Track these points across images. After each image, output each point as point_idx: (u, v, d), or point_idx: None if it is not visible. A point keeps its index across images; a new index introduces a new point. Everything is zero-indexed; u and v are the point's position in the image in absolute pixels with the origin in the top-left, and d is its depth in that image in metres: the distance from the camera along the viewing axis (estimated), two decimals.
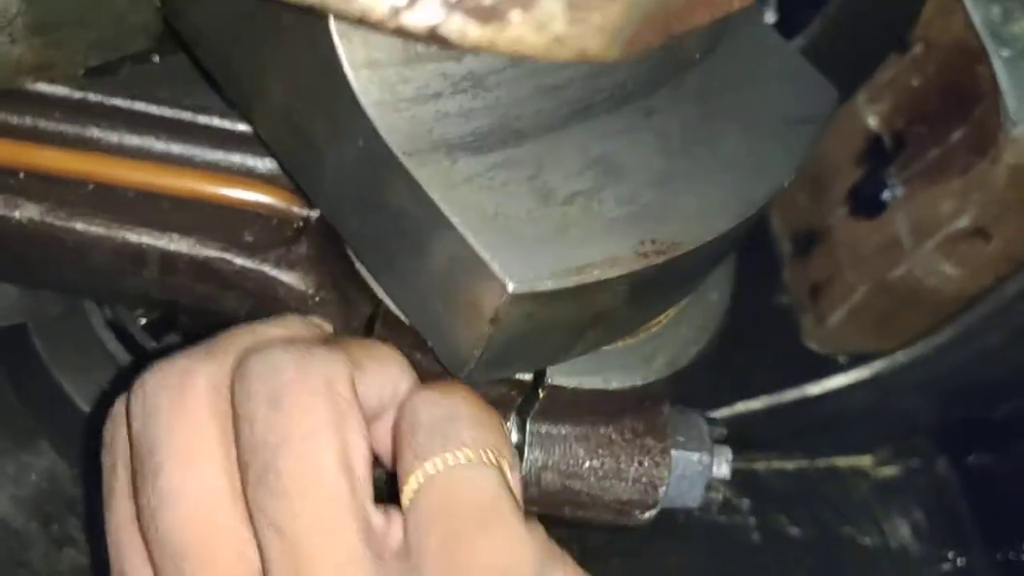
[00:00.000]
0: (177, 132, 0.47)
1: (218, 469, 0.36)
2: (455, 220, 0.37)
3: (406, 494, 0.37)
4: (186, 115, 0.47)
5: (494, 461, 0.37)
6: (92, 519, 0.65)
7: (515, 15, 0.28)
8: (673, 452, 0.49)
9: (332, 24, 0.35)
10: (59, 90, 0.46)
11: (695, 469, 0.50)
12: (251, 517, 0.35)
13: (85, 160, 0.46)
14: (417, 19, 0.29)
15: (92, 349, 0.63)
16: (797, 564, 0.84)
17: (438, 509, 0.36)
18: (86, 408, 0.62)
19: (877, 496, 0.88)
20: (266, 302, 0.47)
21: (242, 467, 0.36)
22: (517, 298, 0.37)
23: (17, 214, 0.45)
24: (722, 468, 0.51)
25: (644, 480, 0.49)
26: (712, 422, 0.52)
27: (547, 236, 0.38)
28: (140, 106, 0.47)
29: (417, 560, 0.35)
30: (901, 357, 0.81)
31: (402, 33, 0.29)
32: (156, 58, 0.48)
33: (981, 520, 0.87)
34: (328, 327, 0.43)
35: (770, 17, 0.54)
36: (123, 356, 0.63)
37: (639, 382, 0.48)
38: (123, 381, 0.60)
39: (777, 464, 0.87)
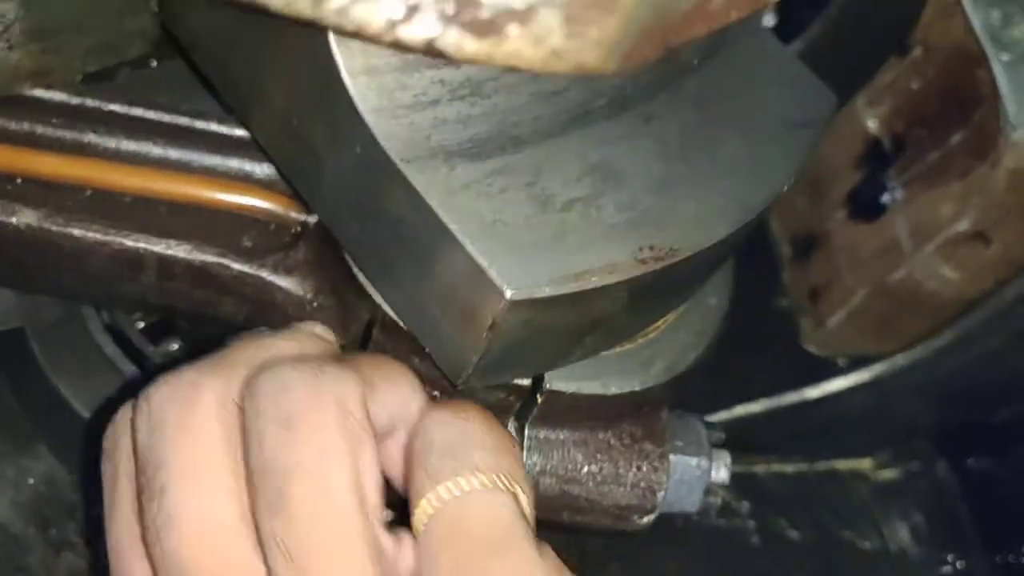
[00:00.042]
0: (175, 137, 0.47)
1: (226, 489, 0.35)
2: (453, 227, 0.37)
3: (418, 517, 0.36)
4: (184, 120, 0.47)
5: (509, 487, 0.36)
6: (90, 524, 0.65)
7: (512, 29, 0.28)
8: (671, 457, 0.49)
9: (330, 31, 0.35)
10: (56, 96, 0.46)
11: (694, 474, 0.50)
12: (260, 539, 0.35)
13: (83, 165, 0.46)
14: (414, 32, 0.28)
15: (90, 354, 0.63)
16: (796, 567, 0.84)
17: (451, 534, 0.35)
18: (84, 412, 0.62)
19: (877, 499, 0.88)
20: (264, 307, 0.47)
21: (251, 489, 0.35)
22: (515, 305, 0.37)
23: (15, 220, 0.45)
24: (721, 472, 0.51)
25: (642, 485, 0.49)
26: (710, 426, 0.52)
27: (545, 243, 0.38)
28: (138, 111, 0.46)
29: None
30: (901, 360, 0.81)
31: (399, 46, 0.29)
32: (154, 63, 0.48)
33: (981, 523, 0.87)
34: (337, 339, 0.43)
35: (769, 21, 0.54)
36: (121, 360, 0.63)
37: (638, 387, 0.48)
38: (126, 389, 0.60)
39: (777, 467, 0.87)
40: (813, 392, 0.83)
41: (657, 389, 0.48)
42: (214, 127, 0.47)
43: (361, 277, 0.46)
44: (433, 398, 0.42)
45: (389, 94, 0.37)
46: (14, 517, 0.64)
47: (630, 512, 0.49)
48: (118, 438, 0.38)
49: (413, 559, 0.36)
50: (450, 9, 0.28)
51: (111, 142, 0.47)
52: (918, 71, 0.76)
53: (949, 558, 0.86)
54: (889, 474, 0.90)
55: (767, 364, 0.85)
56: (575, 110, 0.40)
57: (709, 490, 0.51)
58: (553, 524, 0.49)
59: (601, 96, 0.41)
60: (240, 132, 0.47)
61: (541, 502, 0.48)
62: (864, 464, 0.90)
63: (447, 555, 0.35)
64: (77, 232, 0.45)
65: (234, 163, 0.47)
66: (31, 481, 0.65)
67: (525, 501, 0.37)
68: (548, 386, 0.46)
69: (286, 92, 0.41)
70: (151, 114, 0.47)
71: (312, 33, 0.35)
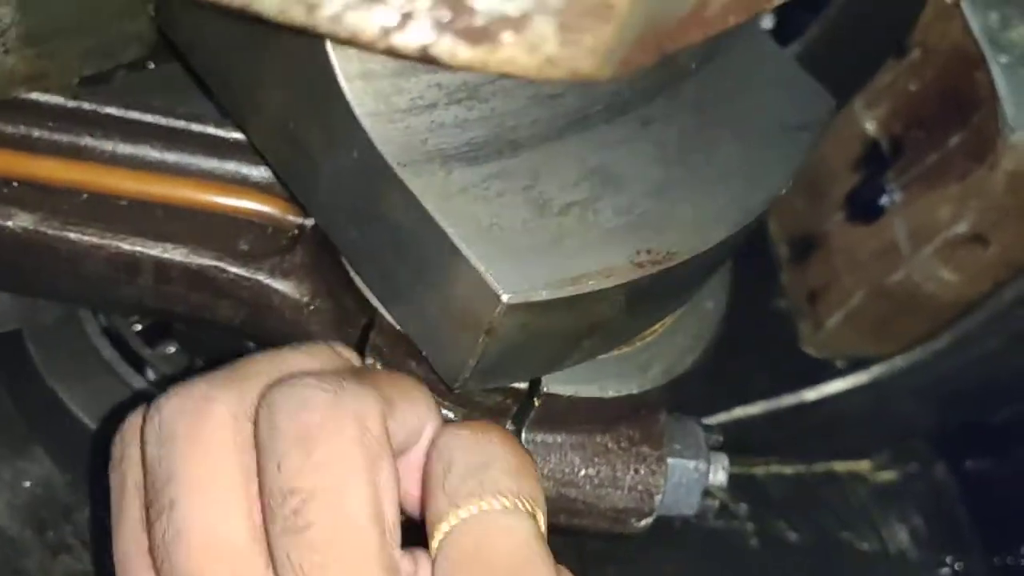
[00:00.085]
0: (171, 140, 0.47)
1: (237, 505, 0.34)
2: (450, 231, 0.37)
3: (436, 538, 0.35)
4: (180, 123, 0.47)
5: (530, 510, 0.36)
6: (88, 527, 0.64)
7: (506, 36, 0.28)
8: (669, 460, 0.49)
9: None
10: (52, 99, 0.45)
11: (691, 477, 0.50)
12: (273, 559, 0.34)
13: (79, 169, 0.45)
14: (407, 40, 0.28)
15: (87, 357, 0.63)
16: (795, 569, 0.84)
17: (470, 557, 0.35)
18: (82, 415, 0.62)
19: (875, 501, 0.88)
20: (261, 311, 0.47)
21: (266, 508, 0.34)
22: (512, 308, 0.37)
23: (11, 223, 0.45)
24: (719, 475, 0.51)
25: (640, 488, 0.49)
26: (708, 429, 0.52)
27: (542, 246, 0.38)
28: (134, 114, 0.46)
29: None
30: (899, 362, 0.81)
31: (393, 53, 0.29)
32: (151, 66, 0.48)
33: (979, 525, 0.87)
34: (354, 356, 0.42)
35: (767, 23, 0.54)
36: (118, 363, 0.62)
37: (635, 390, 0.48)
38: (135, 397, 0.60)
39: (775, 469, 0.87)
40: (811, 394, 0.83)
41: (655, 392, 0.48)
42: (211, 130, 0.47)
43: (358, 281, 0.45)
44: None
45: (386, 98, 0.37)
46: (10, 520, 0.64)
47: (628, 515, 0.49)
48: (126, 447, 0.37)
49: None
50: (444, 16, 0.27)
51: (107, 145, 0.46)
52: (916, 73, 0.76)
53: (948, 560, 0.86)
54: (888, 476, 0.90)
55: (765, 366, 0.85)
56: (573, 114, 0.40)
57: (707, 492, 0.51)
58: (551, 527, 0.49)
59: (599, 100, 0.41)
60: (237, 135, 0.47)
61: None
62: (863, 466, 0.90)
63: (465, 575, 0.34)
64: (73, 235, 0.45)
65: (231, 166, 0.47)
66: (27, 484, 0.65)
67: (543, 523, 0.37)
68: (545, 389, 0.46)
69: (283, 96, 0.41)
70: (147, 117, 0.46)
71: (308, 37, 0.35)
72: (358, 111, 0.37)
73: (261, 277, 0.47)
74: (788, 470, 0.88)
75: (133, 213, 0.46)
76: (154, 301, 0.47)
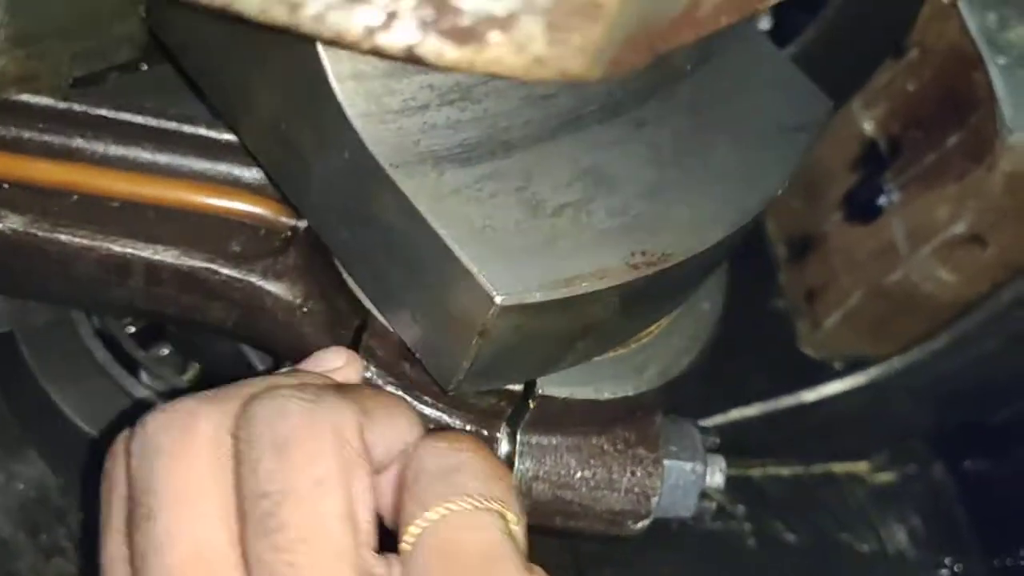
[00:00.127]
0: (163, 142, 0.47)
1: (215, 516, 0.35)
2: (442, 232, 0.37)
3: (406, 540, 0.36)
4: (172, 125, 0.47)
5: (499, 510, 0.36)
6: (83, 533, 0.64)
7: (493, 36, 0.27)
8: (666, 462, 0.49)
9: None
10: (43, 101, 0.45)
11: (688, 479, 0.50)
12: (246, 564, 0.34)
13: (70, 170, 0.45)
14: (393, 40, 0.28)
15: (80, 359, 0.63)
16: (793, 571, 0.84)
17: (439, 554, 0.35)
18: (75, 418, 0.62)
19: (874, 502, 0.88)
20: (253, 312, 0.47)
21: (242, 515, 0.35)
22: (505, 310, 0.37)
23: (1, 225, 0.45)
24: (716, 477, 0.50)
25: (636, 490, 0.49)
26: (705, 431, 0.52)
27: (536, 248, 0.38)
28: (125, 116, 0.46)
29: None
30: (897, 363, 0.81)
31: (378, 53, 0.29)
32: (143, 67, 0.47)
33: (978, 526, 0.87)
34: (355, 357, 0.42)
35: (764, 24, 0.54)
36: (112, 366, 0.62)
37: (631, 392, 0.48)
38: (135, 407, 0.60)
39: (773, 470, 0.87)
40: (809, 395, 0.82)
41: (651, 394, 0.48)
42: (202, 132, 0.47)
43: (351, 283, 0.45)
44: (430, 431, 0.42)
45: (377, 99, 0.37)
46: (4, 522, 0.64)
47: (624, 517, 0.49)
48: (115, 459, 0.38)
49: None
50: (429, 16, 0.27)
51: (99, 147, 0.46)
52: (914, 73, 0.76)
53: (947, 561, 0.86)
54: (886, 477, 0.90)
55: (763, 367, 0.84)
56: (566, 115, 0.40)
57: (704, 494, 0.51)
58: (547, 529, 0.49)
59: (592, 101, 0.40)
60: (229, 137, 0.47)
61: (534, 507, 0.48)
62: (861, 467, 0.90)
63: (433, 574, 0.35)
64: (64, 237, 0.45)
65: (223, 167, 0.47)
66: (20, 486, 0.65)
67: (516, 525, 0.37)
68: (540, 391, 0.46)
69: (274, 97, 0.40)
70: (139, 119, 0.46)
71: (300, 39, 0.35)
72: (349, 112, 0.36)
73: (253, 279, 0.46)
74: (786, 471, 0.88)
75: (124, 215, 0.46)
76: (145, 303, 0.47)
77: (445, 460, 0.37)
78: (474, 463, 0.37)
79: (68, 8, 0.42)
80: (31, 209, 0.45)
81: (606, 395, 0.47)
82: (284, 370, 0.40)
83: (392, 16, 0.28)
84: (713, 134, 0.44)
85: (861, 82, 0.79)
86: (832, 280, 0.83)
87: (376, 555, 0.35)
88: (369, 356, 0.45)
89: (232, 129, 0.46)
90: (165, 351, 0.66)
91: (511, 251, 0.37)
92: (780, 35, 0.74)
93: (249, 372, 0.57)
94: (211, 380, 0.39)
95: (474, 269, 0.36)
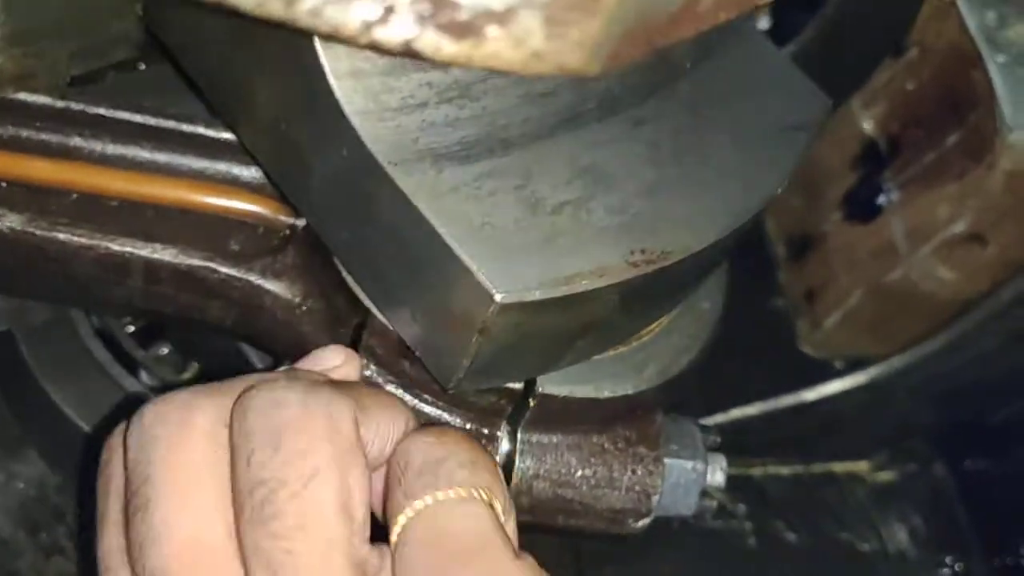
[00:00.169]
0: (161, 141, 0.47)
1: (211, 505, 0.35)
2: (442, 230, 0.37)
3: (395, 531, 0.36)
4: (170, 124, 0.47)
5: (486, 499, 0.36)
6: (82, 531, 0.64)
7: (491, 30, 0.27)
8: (667, 460, 0.49)
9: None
10: (41, 99, 0.45)
11: (689, 477, 0.50)
12: (242, 552, 0.34)
13: (68, 169, 0.45)
14: (390, 34, 0.28)
15: (80, 358, 0.63)
16: (794, 570, 0.84)
17: (427, 542, 0.35)
18: (75, 417, 0.62)
19: (874, 501, 0.88)
20: (252, 311, 0.47)
21: (237, 505, 0.35)
22: (505, 308, 0.36)
23: None
24: (716, 476, 0.50)
25: (637, 489, 0.49)
26: (706, 430, 0.52)
27: (535, 246, 0.38)
28: (124, 115, 0.46)
29: None
30: (897, 362, 0.81)
31: (375, 48, 0.29)
32: (142, 66, 0.47)
33: (979, 525, 0.87)
34: (354, 355, 0.42)
35: (763, 23, 0.54)
36: (111, 365, 0.62)
37: (631, 391, 0.48)
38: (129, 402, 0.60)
39: (773, 470, 0.87)
40: (809, 394, 0.82)
41: (650, 392, 0.48)
42: (201, 130, 0.47)
43: (350, 281, 0.45)
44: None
45: (375, 97, 0.37)
46: (4, 521, 0.64)
47: (625, 515, 0.49)
48: (112, 452, 0.38)
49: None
50: (427, 10, 0.27)
51: (97, 146, 0.46)
52: (914, 72, 0.76)
53: (947, 560, 0.86)
54: (886, 476, 0.90)
55: (763, 366, 0.84)
56: (564, 113, 0.40)
57: (705, 493, 0.50)
58: (548, 528, 0.49)
59: (590, 99, 0.40)
60: (227, 135, 0.47)
61: (535, 506, 0.48)
62: (861, 466, 0.90)
63: (422, 562, 0.35)
64: (62, 236, 0.45)
65: (221, 166, 0.47)
66: (20, 485, 0.65)
67: (504, 514, 0.37)
68: (540, 390, 0.46)
69: (273, 95, 0.40)
70: (137, 117, 0.46)
71: (297, 36, 0.35)
72: (348, 109, 0.36)
73: (252, 277, 0.46)
74: (786, 471, 0.88)
75: (123, 213, 0.46)
76: (144, 302, 0.47)
77: (432, 452, 0.37)
78: (460, 454, 0.37)
79: (65, 6, 0.42)
80: (29, 208, 0.45)
81: (606, 393, 0.47)
82: (282, 368, 0.40)
83: (389, 10, 0.28)
84: (712, 133, 0.44)
85: (860, 81, 0.79)
86: (832, 279, 0.83)
87: (370, 545, 0.35)
88: (369, 355, 0.45)
89: (230, 128, 0.46)
90: (164, 350, 0.66)
91: (510, 249, 0.37)
92: (779, 34, 0.74)
93: (248, 371, 0.56)
94: (210, 379, 0.39)
95: (473, 267, 0.36)
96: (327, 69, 0.36)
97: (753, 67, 0.48)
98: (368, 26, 0.28)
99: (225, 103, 0.44)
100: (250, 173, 0.47)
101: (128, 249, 0.45)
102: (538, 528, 0.49)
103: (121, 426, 0.38)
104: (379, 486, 0.38)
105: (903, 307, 0.79)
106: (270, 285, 0.46)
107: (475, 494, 0.36)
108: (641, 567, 0.76)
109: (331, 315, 0.47)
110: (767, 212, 0.55)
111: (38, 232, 0.45)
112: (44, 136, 0.46)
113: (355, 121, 0.36)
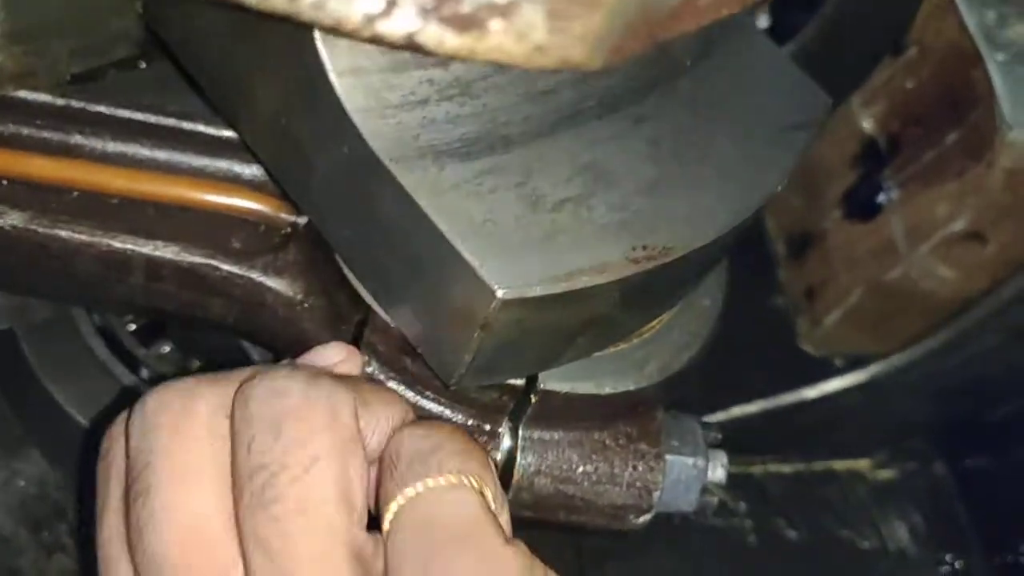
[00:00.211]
0: (162, 138, 0.47)
1: (211, 491, 0.35)
2: (443, 227, 0.37)
3: (386, 519, 0.36)
4: (171, 121, 0.47)
5: (475, 486, 0.37)
6: (82, 526, 0.64)
7: (494, 24, 0.27)
8: (668, 457, 0.49)
9: (316, 30, 0.35)
10: (41, 97, 0.45)
11: (690, 473, 0.50)
12: (240, 538, 0.35)
13: (69, 167, 0.45)
14: (393, 27, 0.28)
15: (82, 356, 0.63)
16: (794, 567, 0.84)
17: (416, 529, 0.36)
18: (76, 415, 0.62)
19: (875, 499, 0.88)
20: (253, 309, 0.47)
21: (237, 490, 0.35)
22: (507, 304, 0.37)
23: (1, 221, 0.45)
24: (717, 472, 0.50)
25: (638, 485, 0.49)
26: (707, 426, 0.52)
27: (536, 242, 0.38)
28: (124, 113, 0.46)
29: None
30: (897, 360, 0.81)
31: (378, 41, 0.29)
32: (142, 64, 0.47)
33: (979, 523, 0.87)
34: (355, 352, 0.42)
35: (763, 22, 0.54)
36: (113, 363, 0.62)
37: (632, 387, 0.48)
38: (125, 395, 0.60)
39: (774, 468, 0.87)
40: (810, 392, 0.83)
41: (651, 389, 0.48)
42: (202, 128, 0.47)
43: (351, 278, 0.45)
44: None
45: (376, 94, 0.37)
46: (5, 519, 0.64)
47: (626, 512, 0.49)
48: (113, 440, 0.39)
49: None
50: (430, 3, 0.27)
51: (98, 143, 0.46)
52: (913, 71, 0.76)
53: (947, 558, 0.86)
54: (887, 474, 0.90)
55: (763, 364, 0.84)
56: (565, 110, 0.40)
57: (706, 490, 0.51)
58: (549, 524, 0.49)
59: (591, 97, 0.40)
60: (228, 133, 0.47)
61: (536, 502, 0.48)
62: (862, 464, 0.90)
63: (413, 547, 0.35)
64: (64, 233, 0.45)
65: (222, 164, 0.47)
66: (22, 483, 0.65)
67: (495, 501, 0.37)
68: (542, 386, 0.46)
69: (274, 92, 0.40)
70: (138, 115, 0.46)
71: (298, 32, 0.35)
72: (348, 106, 0.36)
73: (254, 275, 0.46)
74: (787, 468, 0.88)
75: (124, 211, 0.46)
76: (145, 299, 0.47)
77: (423, 442, 0.37)
78: (450, 443, 0.37)
79: (66, 4, 0.42)
80: (31, 206, 0.45)
81: (607, 390, 0.47)
82: (284, 362, 0.41)
83: (392, 3, 0.28)
84: (712, 130, 0.44)
85: (860, 80, 0.79)
86: (832, 277, 0.83)
87: (367, 533, 0.36)
88: (371, 352, 0.45)
89: (231, 125, 0.46)
90: (166, 348, 0.66)
91: (512, 245, 0.37)
92: (779, 33, 0.74)
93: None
94: None
95: (475, 263, 0.36)
96: (328, 66, 0.36)
97: (753, 65, 0.48)
98: (371, 19, 0.28)
99: (226, 101, 0.44)
100: (251, 171, 0.47)
101: (129, 247, 0.45)
102: (539, 524, 0.49)
103: (123, 415, 0.38)
104: (374, 479, 0.38)
105: (903, 305, 0.79)
106: (271, 282, 0.47)
107: (465, 481, 0.36)
108: (642, 563, 0.76)
109: (333, 312, 0.47)
110: (767, 210, 0.55)
111: (39, 230, 0.45)
112: (45, 134, 0.46)
113: (356, 118, 0.36)
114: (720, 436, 0.52)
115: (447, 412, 0.46)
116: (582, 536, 0.59)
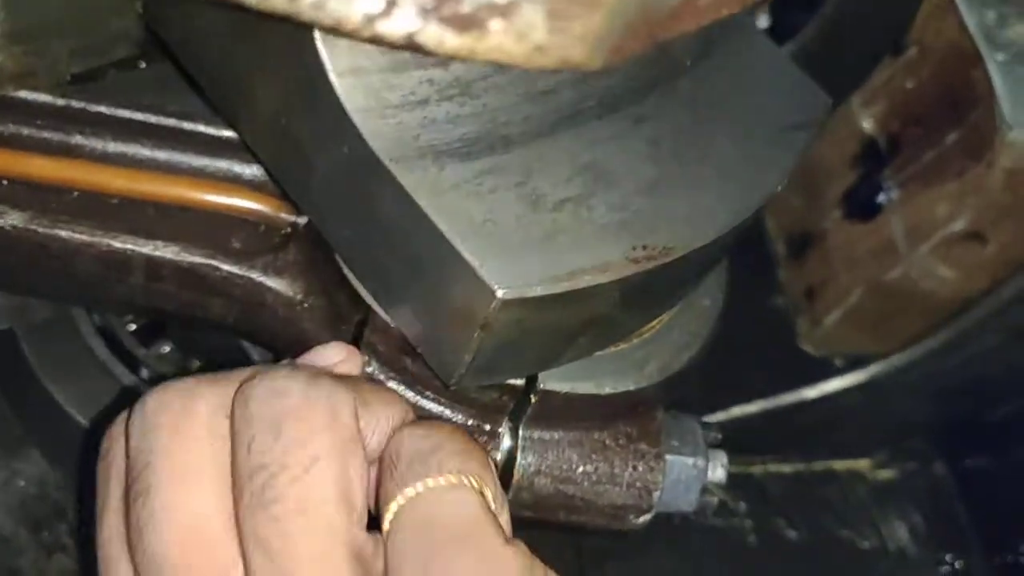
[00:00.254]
0: (162, 138, 0.47)
1: (211, 491, 0.35)
2: (443, 227, 0.37)
3: (386, 519, 0.36)
4: (171, 121, 0.47)
5: (476, 486, 0.37)
6: (82, 526, 0.64)
7: (494, 24, 0.27)
8: (668, 457, 0.49)
9: (316, 30, 0.35)
10: (41, 97, 0.45)
11: (690, 473, 0.50)
12: (240, 538, 0.35)
13: (69, 167, 0.45)
14: (393, 27, 0.28)
15: (82, 356, 0.63)
16: (794, 567, 0.84)
17: (415, 529, 0.36)
18: (77, 415, 0.62)
19: (875, 499, 0.88)
20: (253, 308, 0.47)
21: (236, 490, 0.35)
22: (507, 304, 0.37)
23: (1, 221, 0.45)
24: (717, 472, 0.50)
25: (638, 485, 0.49)
26: (707, 426, 0.52)
27: (536, 242, 0.38)
28: (125, 113, 0.46)
29: None
30: (897, 360, 0.81)
31: (378, 41, 0.29)
32: (142, 64, 0.47)
33: (978, 523, 0.87)
34: (355, 352, 0.43)
35: (763, 22, 0.54)
36: (113, 363, 0.62)
37: (632, 387, 0.48)
38: (125, 395, 0.60)
39: (774, 468, 0.87)
40: (810, 392, 0.83)
41: (651, 389, 0.48)
42: (202, 128, 0.47)
43: (352, 278, 0.45)
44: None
45: (376, 94, 0.37)
46: (5, 520, 0.64)
47: (626, 511, 0.49)
48: (113, 440, 0.39)
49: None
50: (430, 3, 0.27)
51: (98, 143, 0.46)
52: (913, 71, 0.76)
53: (947, 558, 0.86)
54: (887, 474, 0.90)
55: (763, 364, 0.85)
56: (565, 110, 0.40)
57: (706, 490, 0.51)
58: (549, 524, 0.49)
59: (591, 97, 0.40)
60: (228, 133, 0.47)
61: (537, 502, 0.48)
62: (862, 464, 0.90)
63: (413, 547, 0.35)
64: (64, 233, 0.45)
65: (222, 164, 0.47)
66: (22, 483, 0.65)
67: (495, 501, 0.37)
68: (542, 386, 0.46)
69: (274, 92, 0.40)
70: (138, 115, 0.46)
71: (298, 32, 0.35)
72: (349, 107, 0.36)
73: (254, 275, 0.46)
74: (787, 468, 0.88)
75: (124, 211, 0.46)
76: (145, 299, 0.47)
77: (423, 442, 0.37)
78: (450, 443, 0.37)
79: (66, 4, 0.42)
80: (31, 206, 0.45)
81: (607, 390, 0.47)
82: (284, 362, 0.41)
83: (392, 3, 0.28)
84: (712, 130, 0.44)
85: (860, 80, 0.79)
86: (832, 277, 0.83)
87: (367, 533, 0.36)
88: (371, 352, 0.45)
89: (231, 125, 0.46)
90: (166, 348, 0.66)
91: (512, 245, 0.37)
92: (779, 33, 0.74)
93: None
94: None
95: (475, 263, 0.36)
96: (328, 66, 0.36)
97: (753, 65, 0.48)
98: (371, 19, 0.28)
99: (226, 100, 0.44)
100: (251, 171, 0.47)
101: (129, 247, 0.45)
102: (539, 524, 0.49)
103: (123, 415, 0.38)
104: (374, 479, 0.38)
105: (903, 305, 0.79)
106: (271, 282, 0.47)
107: (465, 481, 0.36)
108: (642, 563, 0.76)
109: (333, 312, 0.47)
110: (767, 210, 0.55)
111: (39, 230, 0.45)
112: (45, 134, 0.46)
113: (356, 118, 0.36)
114: (720, 436, 0.52)
115: (447, 412, 0.46)
116: (582, 536, 0.59)
